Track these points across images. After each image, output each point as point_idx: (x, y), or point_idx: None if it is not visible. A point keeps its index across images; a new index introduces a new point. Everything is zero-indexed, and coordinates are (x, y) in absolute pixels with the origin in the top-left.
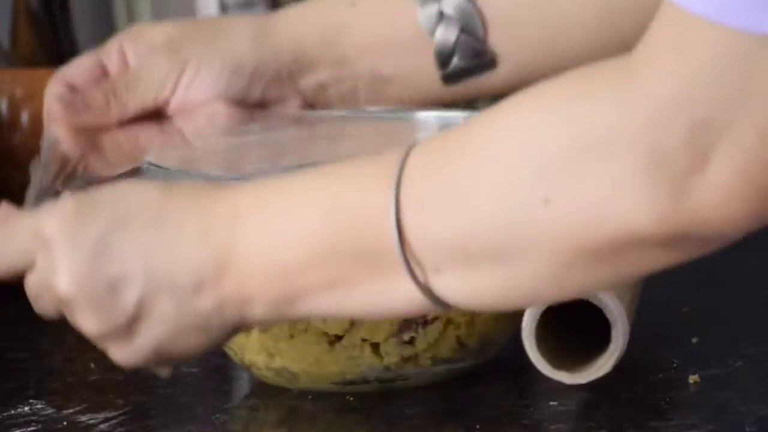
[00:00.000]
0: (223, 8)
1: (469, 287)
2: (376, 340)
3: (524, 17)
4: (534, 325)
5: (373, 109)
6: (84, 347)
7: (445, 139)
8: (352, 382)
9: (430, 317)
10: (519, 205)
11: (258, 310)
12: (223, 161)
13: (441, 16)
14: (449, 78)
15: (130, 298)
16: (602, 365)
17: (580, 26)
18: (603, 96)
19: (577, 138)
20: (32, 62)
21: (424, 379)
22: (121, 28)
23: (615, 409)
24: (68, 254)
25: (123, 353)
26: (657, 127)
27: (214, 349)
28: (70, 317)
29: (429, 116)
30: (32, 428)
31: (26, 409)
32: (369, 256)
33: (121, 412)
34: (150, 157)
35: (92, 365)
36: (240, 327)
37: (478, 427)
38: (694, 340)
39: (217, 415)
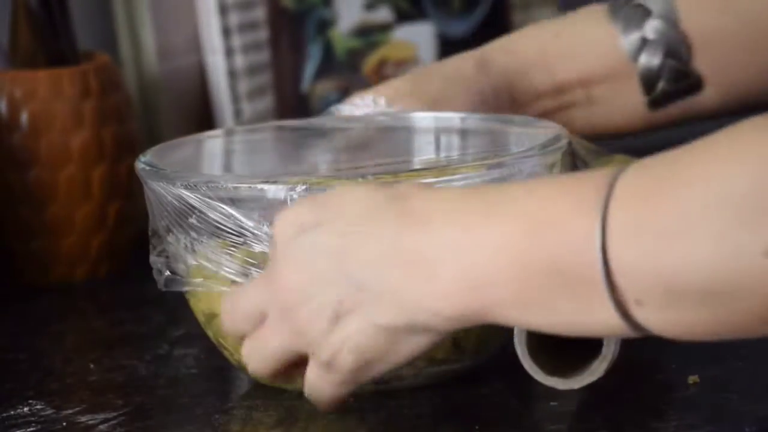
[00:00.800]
0: (223, 9)
1: (672, 321)
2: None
3: (729, 39)
4: (525, 332)
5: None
6: (83, 348)
7: (654, 166)
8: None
9: None
10: (735, 253)
11: (448, 317)
12: (222, 163)
13: (644, 41)
14: (656, 102)
15: (329, 312)
16: (594, 370)
17: None
18: None
19: None
20: (31, 63)
21: (420, 380)
22: (121, 28)
23: (614, 409)
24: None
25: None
26: None
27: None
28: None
29: (426, 117)
30: (32, 429)
31: (25, 409)
32: (567, 279)
33: (120, 412)
34: (146, 157)
35: (91, 366)
36: (426, 333)
37: (477, 427)
38: None
39: (216, 416)
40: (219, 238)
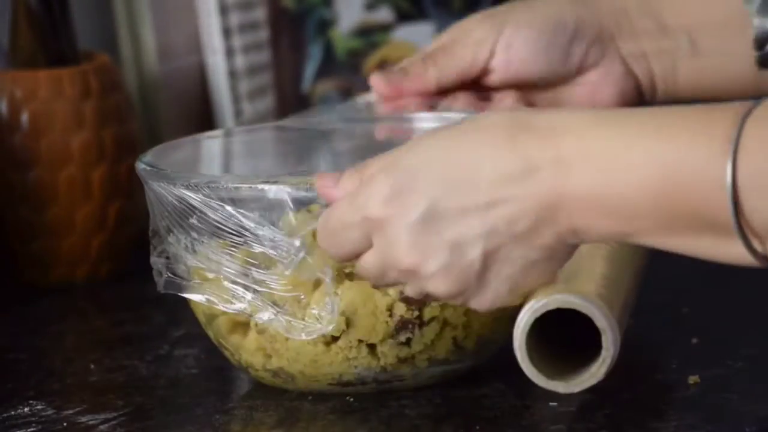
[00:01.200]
0: (223, 9)
1: None
2: (372, 341)
3: None
4: (524, 337)
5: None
6: (84, 348)
7: None
8: (348, 383)
9: (426, 319)
10: None
11: (594, 237)
12: (222, 162)
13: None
14: (765, 61)
15: (475, 253)
16: (595, 373)
17: None
18: None
19: None
20: (32, 63)
21: (422, 380)
22: (121, 28)
23: (615, 409)
24: (404, 229)
25: (482, 301)
26: None
27: None
28: (417, 287)
29: (428, 117)
30: (32, 429)
31: (26, 410)
32: (702, 219)
33: (120, 413)
34: (147, 158)
35: (92, 366)
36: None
37: (477, 427)
38: (694, 340)
39: (217, 416)
40: (219, 238)
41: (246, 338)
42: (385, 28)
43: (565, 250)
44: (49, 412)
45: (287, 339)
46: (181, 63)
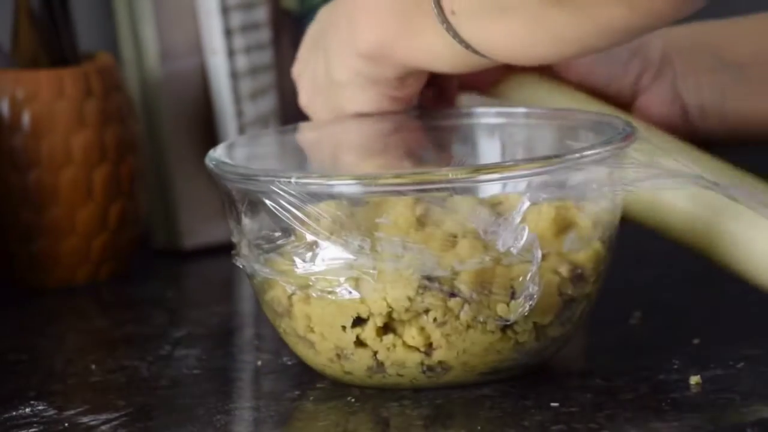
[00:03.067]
0: (225, 10)
1: (481, 34)
2: (543, 322)
3: None
4: None
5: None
6: (85, 349)
7: None
8: (499, 371)
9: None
10: None
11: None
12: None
13: None
14: None
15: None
16: None
17: None
18: None
19: None
20: (33, 63)
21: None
22: (122, 28)
23: (616, 410)
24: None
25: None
26: None
27: None
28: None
29: (490, 112)
30: (33, 430)
31: (27, 410)
32: (417, 7)
33: (122, 413)
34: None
35: (93, 367)
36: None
37: (479, 428)
38: (696, 341)
39: (218, 417)
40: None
41: (400, 337)
42: None
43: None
44: (51, 412)
45: (468, 328)
46: (182, 63)
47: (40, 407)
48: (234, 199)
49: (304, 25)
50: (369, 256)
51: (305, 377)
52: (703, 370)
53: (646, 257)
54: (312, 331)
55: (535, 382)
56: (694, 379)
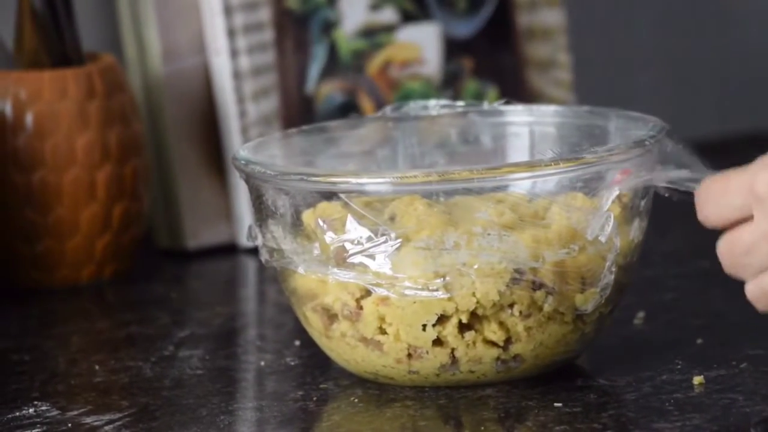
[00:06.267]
0: (228, 10)
1: None
2: (604, 311)
3: None
4: None
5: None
6: (88, 349)
7: None
8: (555, 363)
9: None
10: None
11: None
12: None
13: None
14: None
15: None
16: None
17: None
18: None
19: None
20: (36, 64)
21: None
22: (125, 29)
23: (619, 410)
24: None
25: None
26: None
27: None
28: None
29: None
30: (37, 430)
31: (31, 411)
32: None
33: (125, 413)
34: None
35: (96, 367)
36: None
37: (482, 428)
38: (699, 341)
39: (221, 417)
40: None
41: (480, 333)
42: (389, 29)
43: None
44: (54, 413)
45: (548, 320)
46: (185, 64)
47: (43, 407)
48: (297, 203)
49: (306, 25)
50: (463, 252)
51: (308, 378)
52: (706, 371)
53: (650, 257)
54: (383, 332)
55: (537, 382)
56: (698, 380)
